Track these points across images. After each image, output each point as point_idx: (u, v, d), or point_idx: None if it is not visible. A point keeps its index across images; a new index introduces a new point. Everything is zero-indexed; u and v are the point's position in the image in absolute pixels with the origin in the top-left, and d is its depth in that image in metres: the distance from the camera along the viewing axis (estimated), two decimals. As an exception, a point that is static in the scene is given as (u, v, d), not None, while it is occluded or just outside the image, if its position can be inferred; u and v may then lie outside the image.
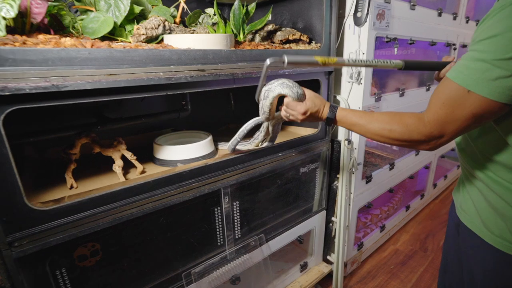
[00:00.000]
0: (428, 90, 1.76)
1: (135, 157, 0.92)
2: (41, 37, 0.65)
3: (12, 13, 0.57)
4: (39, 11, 0.64)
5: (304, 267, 1.43)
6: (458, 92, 0.54)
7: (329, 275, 1.52)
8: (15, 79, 0.55)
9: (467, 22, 1.94)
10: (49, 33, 0.71)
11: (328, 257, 1.53)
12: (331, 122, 0.77)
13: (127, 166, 0.91)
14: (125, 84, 0.67)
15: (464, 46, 1.99)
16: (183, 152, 0.98)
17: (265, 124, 0.99)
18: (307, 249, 1.49)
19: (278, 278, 1.34)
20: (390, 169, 1.65)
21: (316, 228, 1.41)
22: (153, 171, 0.93)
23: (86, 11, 0.84)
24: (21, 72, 0.56)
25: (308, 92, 0.79)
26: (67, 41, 0.66)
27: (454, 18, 1.80)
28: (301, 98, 0.77)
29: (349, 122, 0.74)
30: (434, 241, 1.95)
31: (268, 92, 0.80)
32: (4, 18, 0.57)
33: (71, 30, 0.80)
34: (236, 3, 1.05)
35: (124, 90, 0.68)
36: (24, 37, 0.61)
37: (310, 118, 0.79)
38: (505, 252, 0.62)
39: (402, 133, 0.63)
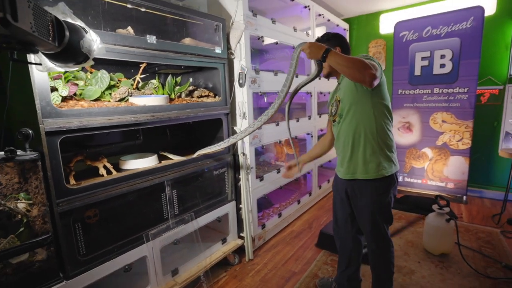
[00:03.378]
0: (297, 121, 2.78)
1: (112, 166, 1.57)
2: (72, 102, 1.32)
3: (65, 93, 1.25)
4: (72, 91, 1.32)
5: (224, 240, 2.14)
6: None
7: (243, 248, 2.25)
8: (66, 123, 1.21)
9: (319, 79, 3.12)
10: (71, 99, 1.38)
11: (241, 234, 2.27)
12: (328, 52, 1.22)
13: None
14: (117, 123, 1.37)
15: (321, 93, 3.16)
16: (139, 163, 1.66)
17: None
18: (226, 230, 2.20)
19: (207, 247, 2.01)
20: (277, 172, 2.55)
21: (229, 212, 2.16)
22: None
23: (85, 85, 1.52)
24: (68, 120, 1.22)
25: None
26: (84, 104, 1.35)
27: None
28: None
29: (337, 54, 1.22)
30: (317, 222, 2.87)
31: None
32: (61, 95, 1.25)
33: (79, 96, 1.47)
34: (169, 77, 1.85)
35: (116, 127, 1.38)
36: (65, 103, 1.28)
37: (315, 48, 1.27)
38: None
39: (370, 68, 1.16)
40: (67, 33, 0.83)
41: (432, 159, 3.37)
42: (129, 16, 1.57)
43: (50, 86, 1.25)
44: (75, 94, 1.41)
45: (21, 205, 1.23)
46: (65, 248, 1.26)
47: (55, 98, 1.24)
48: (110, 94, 1.59)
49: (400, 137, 3.52)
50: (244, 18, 2.00)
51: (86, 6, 1.30)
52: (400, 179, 3.58)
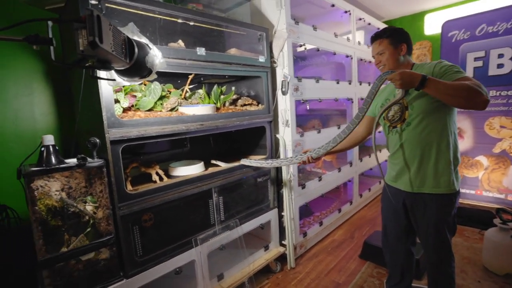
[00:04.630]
0: (338, 128, 2.72)
1: (163, 173, 1.65)
2: (131, 113, 1.42)
3: (126, 105, 1.35)
4: (131, 102, 1.42)
5: (266, 248, 2.14)
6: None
7: (285, 256, 2.23)
8: (126, 132, 1.31)
9: (360, 84, 3.04)
10: (129, 110, 1.49)
11: (283, 242, 2.25)
12: (424, 80, 1.11)
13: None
14: (169, 132, 1.45)
15: (362, 99, 3.06)
16: (188, 170, 1.73)
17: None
18: (268, 237, 2.20)
19: (251, 254, 2.03)
20: (319, 180, 2.50)
21: (272, 220, 2.16)
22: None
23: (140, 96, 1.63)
24: (128, 129, 1.32)
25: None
26: (141, 114, 1.44)
27: (350, 83, 2.86)
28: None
29: (437, 81, 1.11)
30: (359, 232, 2.76)
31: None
32: (122, 107, 1.35)
33: (134, 107, 1.58)
34: (215, 87, 1.92)
35: (169, 136, 1.46)
36: (125, 113, 1.38)
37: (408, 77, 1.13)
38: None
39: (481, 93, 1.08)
40: (136, 50, 0.90)
41: (488, 168, 3.09)
42: (179, 30, 1.66)
43: (114, 99, 1.36)
44: (132, 105, 1.52)
45: (89, 208, 1.34)
46: (125, 249, 1.34)
47: (117, 109, 1.35)
48: (161, 104, 1.68)
49: (450, 143, 3.27)
50: (286, 26, 2.02)
51: (144, 23, 1.40)
52: (450, 188, 3.32)
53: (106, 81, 1.01)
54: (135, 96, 1.48)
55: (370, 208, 3.35)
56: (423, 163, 1.34)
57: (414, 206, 1.41)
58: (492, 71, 2.93)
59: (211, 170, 1.79)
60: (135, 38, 0.96)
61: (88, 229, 1.34)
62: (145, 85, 1.69)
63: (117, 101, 1.40)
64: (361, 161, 3.16)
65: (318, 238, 2.59)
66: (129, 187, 1.49)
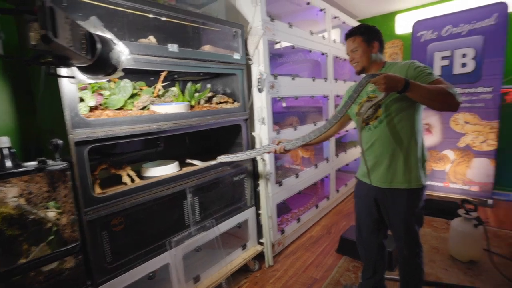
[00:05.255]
0: (315, 124, 2.75)
1: (135, 174, 1.58)
2: (98, 112, 1.35)
3: (92, 103, 1.27)
4: (99, 101, 1.34)
5: (244, 247, 2.13)
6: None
7: (263, 254, 2.23)
8: (93, 133, 1.23)
9: (336, 81, 3.09)
10: (97, 109, 1.41)
11: (261, 240, 2.25)
12: (408, 84, 1.13)
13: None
14: (140, 132, 1.39)
15: (338, 96, 3.12)
16: (162, 170, 1.67)
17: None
18: (246, 236, 2.19)
19: (228, 253, 2.00)
20: (296, 177, 2.52)
21: (249, 218, 2.14)
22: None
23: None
24: (95, 130, 1.24)
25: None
26: (110, 113, 1.37)
27: (325, 81, 2.90)
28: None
29: (418, 86, 1.15)
30: (336, 227, 2.82)
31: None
32: (88, 106, 1.27)
33: (103, 105, 1.49)
34: (189, 84, 1.86)
35: (140, 135, 1.40)
36: (92, 113, 1.30)
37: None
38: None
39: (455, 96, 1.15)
40: (99, 45, 0.84)
41: (454, 161, 3.27)
42: (150, 26, 1.59)
43: (78, 97, 1.28)
44: (100, 104, 1.43)
45: (51, 214, 1.25)
46: (92, 256, 1.27)
47: (83, 108, 1.26)
48: (132, 102, 1.61)
49: (420, 139, 3.42)
50: (262, 23, 2.00)
51: (111, 18, 1.32)
52: (420, 182, 3.48)
53: (70, 79, 0.94)
54: (102, 95, 1.40)
55: (346, 203, 3.44)
56: (394, 160, 1.38)
57: (385, 200, 1.45)
58: (457, 70, 3.09)
59: (185, 170, 1.74)
60: (98, 32, 0.90)
61: (51, 237, 1.25)
62: (114, 82, 1.61)
63: (82, 99, 1.31)
64: (337, 157, 3.22)
65: (296, 234, 2.61)
66: (98, 190, 1.41)
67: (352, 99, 1.31)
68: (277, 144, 1.59)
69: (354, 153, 3.68)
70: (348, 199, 3.55)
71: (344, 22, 3.27)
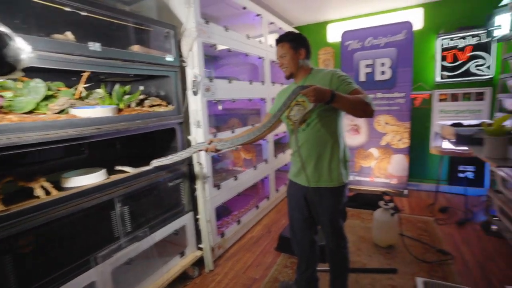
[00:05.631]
0: (253, 126, 2.81)
1: (52, 186, 1.41)
2: (-2, 117, 1.16)
3: (-12, 108, 1.09)
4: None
5: (182, 254, 2.06)
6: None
7: (203, 259, 2.19)
8: (-9, 141, 1.07)
9: (273, 85, 3.21)
10: (-3, 113, 1.22)
11: (200, 245, 2.21)
12: (334, 96, 1.24)
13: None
14: (56, 139, 1.24)
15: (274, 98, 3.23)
16: (85, 180, 1.53)
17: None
18: (184, 242, 2.12)
19: (165, 263, 1.92)
20: (235, 180, 2.54)
21: (187, 224, 2.09)
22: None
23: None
24: (-7, 137, 1.07)
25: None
26: (14, 118, 1.19)
27: (263, 84, 2.99)
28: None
29: (342, 97, 1.26)
30: (277, 226, 2.93)
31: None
32: (-17, 110, 1.09)
33: (7, 108, 1.30)
34: (116, 86, 1.73)
35: (54, 143, 1.25)
36: (-11, 118, 1.12)
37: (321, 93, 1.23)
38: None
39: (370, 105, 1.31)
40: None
41: (378, 158, 3.67)
42: (68, 20, 1.44)
43: (-31, 99, 1.09)
44: (1, 107, 1.24)
45: None
46: (-7, 285, 1.10)
47: (-24, 113, 1.08)
48: (47, 105, 1.43)
49: (349, 139, 3.76)
50: (196, 25, 1.97)
51: (12, 8, 1.16)
52: (351, 178, 3.82)
53: None
54: (2, 97, 1.21)
55: (286, 202, 3.58)
56: (319, 161, 1.49)
57: (313, 199, 1.56)
58: (377, 77, 3.48)
59: (114, 177, 1.62)
60: (-11, 26, 0.78)
61: None
62: (22, 82, 1.41)
63: (-25, 102, 1.12)
64: (276, 157, 3.35)
65: (237, 236, 2.64)
66: (0, 207, 1.22)
67: (285, 105, 1.37)
68: (209, 144, 1.58)
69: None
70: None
71: (280, 28, 3.41)
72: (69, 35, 1.39)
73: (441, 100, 3.48)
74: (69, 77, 1.73)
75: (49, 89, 1.47)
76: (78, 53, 1.34)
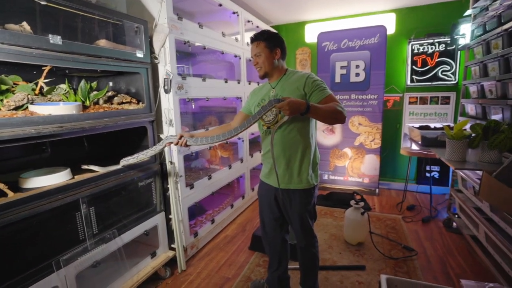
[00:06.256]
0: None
1: (6, 187, 1.32)
2: None
3: None
4: None
5: (154, 254, 2.02)
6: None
7: (175, 259, 2.16)
8: None
9: (249, 83, 3.20)
10: None
11: (172, 245, 2.17)
12: (308, 108, 1.25)
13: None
14: (10, 138, 1.17)
15: (252, 98, 3.24)
16: (47, 180, 1.45)
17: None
18: (155, 243, 2.08)
19: (134, 264, 1.87)
20: (209, 179, 2.52)
21: (159, 224, 2.05)
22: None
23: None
24: None
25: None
26: (-38, 115, 1.11)
27: (239, 82, 2.98)
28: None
29: (316, 108, 1.29)
30: (251, 225, 2.94)
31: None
32: None
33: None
34: (82, 82, 1.66)
35: (8, 141, 1.17)
36: None
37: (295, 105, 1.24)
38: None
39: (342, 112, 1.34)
40: None
41: (351, 158, 3.77)
42: (24, 10, 1.35)
43: None
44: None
45: None
46: None
47: None
48: (1, 101, 1.34)
49: (324, 138, 3.84)
50: (168, 21, 1.91)
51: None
52: (325, 177, 3.91)
53: None
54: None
55: (262, 200, 3.61)
56: (290, 163, 1.51)
57: (284, 199, 1.58)
58: (352, 78, 3.57)
59: (79, 177, 1.55)
60: None
61: None
62: (-27, 75, 1.31)
63: None
64: (252, 156, 3.35)
65: (211, 236, 2.62)
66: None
67: (260, 114, 1.36)
68: (179, 138, 1.54)
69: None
70: (264, 196, 3.73)
71: (257, 27, 3.41)
72: (25, 26, 1.30)
73: (410, 102, 3.64)
74: (29, 70, 1.63)
75: (3, 83, 1.38)
76: (36, 45, 1.26)
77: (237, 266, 2.24)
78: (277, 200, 1.62)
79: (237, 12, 2.90)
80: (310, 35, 4.23)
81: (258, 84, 3.40)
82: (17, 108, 1.37)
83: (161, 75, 1.99)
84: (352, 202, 2.50)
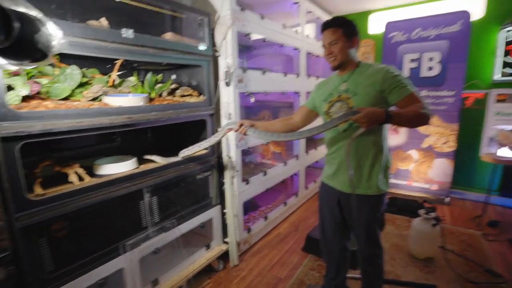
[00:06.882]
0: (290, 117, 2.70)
1: (85, 172, 1.42)
2: (34, 102, 1.18)
3: (25, 92, 1.10)
4: (35, 89, 1.17)
5: (208, 246, 2.04)
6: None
7: (228, 253, 2.16)
8: (26, 127, 1.07)
9: (308, 77, 3.05)
10: (34, 98, 1.23)
11: (226, 239, 2.17)
12: (388, 117, 1.13)
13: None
14: (87, 127, 1.24)
15: (309, 92, 3.08)
16: (116, 168, 1.53)
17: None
18: (210, 235, 2.10)
19: (190, 254, 1.91)
20: (264, 175, 2.47)
21: (214, 217, 2.06)
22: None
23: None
24: (28, 123, 1.08)
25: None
26: (49, 104, 1.20)
27: (298, 76, 2.85)
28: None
29: (397, 115, 1.15)
30: (304, 224, 2.82)
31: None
32: (20, 95, 1.10)
33: (45, 94, 1.31)
34: (148, 74, 1.71)
35: (86, 131, 1.25)
36: (26, 103, 1.13)
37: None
38: None
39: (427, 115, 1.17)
40: (17, 24, 0.70)
41: (417, 161, 3.39)
42: (102, 6, 1.42)
43: (7, 85, 1.10)
44: (39, 93, 1.26)
45: (-26, 219, 1.08)
46: (27, 267, 1.12)
47: (13, 98, 1.09)
48: (81, 92, 1.44)
49: (386, 138, 3.51)
50: (231, 12, 1.88)
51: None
52: (385, 180, 3.58)
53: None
54: (39, 83, 1.22)
55: (315, 200, 3.46)
56: (360, 166, 1.36)
57: (348, 205, 1.43)
58: (423, 73, 3.17)
59: (143, 167, 1.61)
60: (22, 9, 0.75)
61: (-24, 245, 1.09)
62: (59, 68, 1.43)
63: (13, 88, 1.14)
64: (307, 154, 3.21)
65: (263, 232, 2.58)
66: (39, 190, 1.25)
67: (332, 124, 1.26)
68: (239, 126, 1.48)
69: (324, 150, 3.70)
70: (317, 196, 3.57)
71: (318, 18, 3.23)
72: (103, 21, 1.37)
73: (499, 101, 3.09)
74: (103, 64, 1.74)
75: (83, 76, 1.48)
76: (111, 39, 1.31)
77: (290, 267, 2.15)
78: (341, 204, 1.48)
79: (298, 3, 2.76)
80: (374, 26, 3.87)
81: (318, 79, 3.23)
82: (93, 99, 1.45)
83: (221, 68, 1.97)
84: (422, 211, 2.22)
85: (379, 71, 1.30)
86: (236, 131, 1.48)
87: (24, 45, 0.74)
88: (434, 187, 3.31)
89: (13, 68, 0.81)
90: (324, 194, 1.58)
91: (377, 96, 1.28)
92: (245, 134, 1.48)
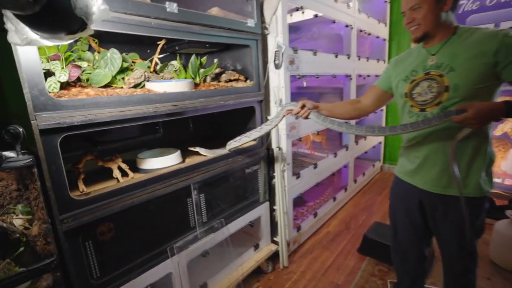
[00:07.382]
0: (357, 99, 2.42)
1: (128, 167, 1.29)
2: (74, 90, 1.04)
3: (65, 78, 0.96)
4: (74, 75, 1.03)
5: (256, 247, 1.87)
6: None
7: (277, 253, 1.98)
8: (67, 117, 0.93)
9: (359, 59, 2.71)
10: (75, 86, 1.10)
11: (275, 238, 1.99)
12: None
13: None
14: (130, 117, 1.09)
15: (360, 75, 2.75)
16: (161, 162, 1.39)
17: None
18: (258, 235, 1.93)
19: (238, 255, 1.75)
20: (314, 168, 2.22)
21: (263, 215, 1.87)
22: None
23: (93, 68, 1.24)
24: (69, 113, 0.94)
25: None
26: (90, 92, 1.06)
27: (348, 58, 2.53)
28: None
29: None
30: (355, 222, 2.56)
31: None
32: (59, 81, 0.96)
33: (85, 81, 1.19)
34: (192, 57, 1.53)
35: (130, 121, 1.10)
36: (66, 91, 1.00)
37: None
38: None
39: None
40: (48, -19, 0.53)
41: (488, 151, 2.92)
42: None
43: (46, 70, 0.97)
44: (79, 80, 1.13)
45: (18, 221, 0.99)
46: (74, 272, 1.01)
47: (52, 85, 0.96)
48: (122, 79, 1.30)
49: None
50: (281, -17, 1.63)
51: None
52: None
53: (13, 37, 0.63)
54: (79, 67, 1.08)
55: (363, 194, 3.15)
56: (455, 160, 1.07)
57: (434, 207, 1.16)
58: (501, 46, 2.68)
59: (189, 161, 1.45)
60: (53, -34, 0.58)
61: (21, 249, 0.99)
62: (99, 52, 1.29)
63: (52, 73, 1.00)
64: (357, 144, 2.90)
65: (312, 230, 2.36)
66: (82, 187, 1.14)
67: (425, 124, 1.01)
68: (301, 107, 1.24)
69: (373, 139, 3.35)
70: (365, 190, 3.25)
71: (370, -11, 2.84)
72: (146, -5, 1.20)
73: None
74: (143, 48, 1.59)
75: (124, 61, 1.33)
76: (154, 15, 1.13)
77: (347, 272, 1.92)
78: (423, 205, 1.21)
79: (350, -29, 2.42)
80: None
81: (368, 60, 2.87)
82: (136, 86, 1.30)
83: (271, 48, 1.74)
84: (509, 212, 1.85)
85: (492, 36, 0.98)
86: (297, 114, 1.25)
87: (58, 10, 0.57)
88: (508, 181, 2.84)
89: (48, 43, 0.65)
90: (399, 193, 1.31)
91: (487, 71, 0.97)
92: (306, 118, 1.24)
